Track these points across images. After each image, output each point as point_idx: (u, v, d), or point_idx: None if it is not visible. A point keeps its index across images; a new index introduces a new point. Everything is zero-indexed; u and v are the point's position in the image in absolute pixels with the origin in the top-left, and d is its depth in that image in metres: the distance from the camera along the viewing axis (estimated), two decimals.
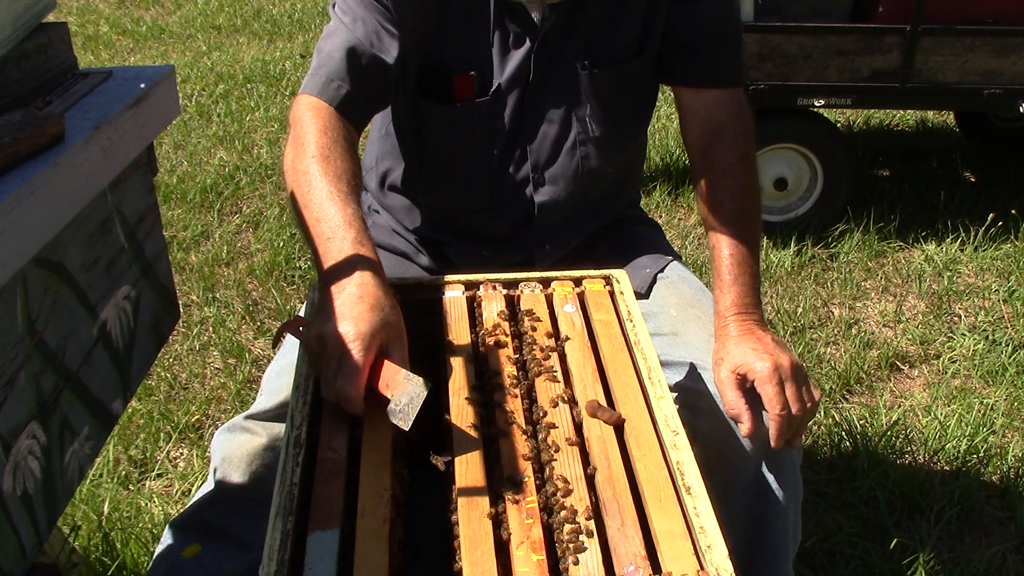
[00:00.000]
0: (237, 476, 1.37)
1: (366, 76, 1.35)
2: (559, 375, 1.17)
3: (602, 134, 1.48)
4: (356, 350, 1.03)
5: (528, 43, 1.42)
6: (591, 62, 1.44)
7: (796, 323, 2.81)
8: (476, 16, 1.41)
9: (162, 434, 2.27)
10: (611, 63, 1.45)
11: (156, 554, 1.45)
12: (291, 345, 1.46)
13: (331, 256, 1.13)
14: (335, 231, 1.15)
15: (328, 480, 1.00)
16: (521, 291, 1.34)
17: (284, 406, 1.35)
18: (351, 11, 1.36)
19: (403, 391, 1.03)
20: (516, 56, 1.42)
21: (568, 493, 0.99)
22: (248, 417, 1.39)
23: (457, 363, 1.18)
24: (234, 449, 1.38)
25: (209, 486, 1.41)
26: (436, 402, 1.11)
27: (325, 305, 1.09)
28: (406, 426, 1.02)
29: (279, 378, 1.39)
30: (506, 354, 1.20)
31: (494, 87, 1.43)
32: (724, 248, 1.36)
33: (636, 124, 1.57)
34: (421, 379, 1.03)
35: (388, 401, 1.04)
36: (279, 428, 1.35)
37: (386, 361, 1.06)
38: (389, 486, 0.99)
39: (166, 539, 1.48)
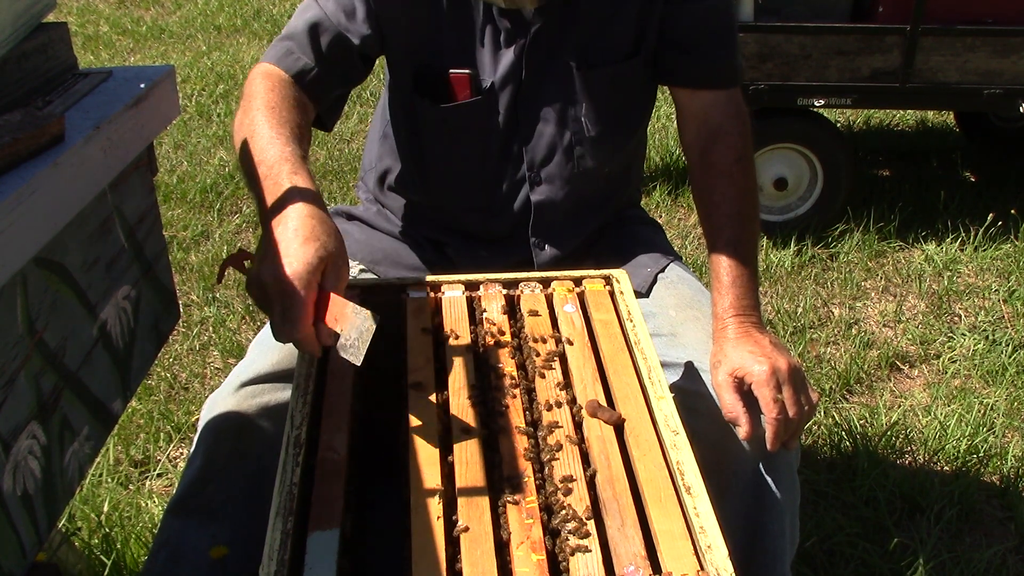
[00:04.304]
0: (226, 449, 1.34)
1: (328, 52, 1.36)
2: (559, 375, 1.17)
3: (598, 134, 1.48)
4: (295, 291, 1.01)
5: (519, 41, 1.41)
6: (585, 61, 1.44)
7: (796, 323, 2.81)
8: (468, 14, 1.41)
9: (162, 434, 2.27)
10: (605, 63, 1.45)
11: (154, 543, 1.42)
12: None
13: (269, 193, 1.11)
14: (271, 168, 1.14)
15: (328, 480, 1.00)
16: (521, 291, 1.34)
17: (277, 366, 1.33)
18: None
19: (352, 325, 1.01)
20: (508, 55, 1.42)
21: (568, 493, 0.99)
22: (241, 385, 1.35)
23: (457, 363, 1.18)
24: (223, 420, 1.34)
25: (197, 460, 1.36)
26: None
27: (264, 245, 1.07)
28: (358, 361, 1.01)
29: (272, 338, 1.36)
30: (506, 354, 1.21)
31: (487, 86, 1.43)
32: (722, 250, 1.36)
33: (632, 124, 1.56)
34: (369, 312, 1.01)
35: (338, 336, 1.03)
36: (271, 395, 1.32)
37: (332, 295, 1.04)
38: (440, 483, 1.00)
39: (164, 527, 1.44)
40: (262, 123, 1.21)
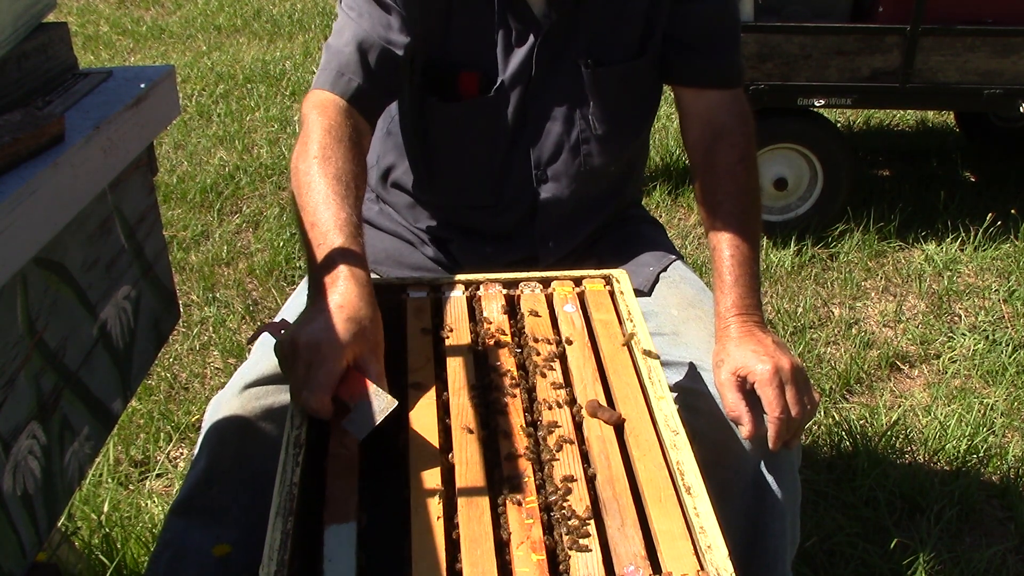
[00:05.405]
0: (230, 450, 1.34)
1: (377, 69, 1.36)
2: (559, 375, 1.17)
3: (605, 132, 1.48)
4: (326, 362, 1.03)
5: (531, 40, 1.42)
6: (594, 60, 1.44)
7: (796, 323, 2.81)
8: (480, 13, 1.41)
9: (162, 434, 2.27)
10: (614, 61, 1.46)
11: (158, 543, 1.42)
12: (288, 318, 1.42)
13: (320, 262, 1.13)
14: (325, 236, 1.15)
15: (342, 475, 1.00)
16: (521, 291, 1.34)
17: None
18: (358, 6, 1.37)
19: (369, 403, 1.03)
20: (519, 53, 1.43)
21: (568, 493, 0.99)
22: (245, 387, 1.35)
23: (457, 363, 1.18)
24: (228, 421, 1.33)
25: (201, 462, 1.37)
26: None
27: (307, 311, 1.09)
28: (360, 435, 1.03)
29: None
30: (506, 354, 1.21)
31: (497, 84, 1.44)
32: (725, 249, 1.36)
33: (639, 123, 1.57)
34: (390, 396, 1.04)
35: (350, 411, 1.04)
36: (275, 397, 1.32)
37: (356, 374, 1.05)
38: (440, 483, 1.00)
39: (168, 528, 1.44)
40: (317, 177, 1.21)
